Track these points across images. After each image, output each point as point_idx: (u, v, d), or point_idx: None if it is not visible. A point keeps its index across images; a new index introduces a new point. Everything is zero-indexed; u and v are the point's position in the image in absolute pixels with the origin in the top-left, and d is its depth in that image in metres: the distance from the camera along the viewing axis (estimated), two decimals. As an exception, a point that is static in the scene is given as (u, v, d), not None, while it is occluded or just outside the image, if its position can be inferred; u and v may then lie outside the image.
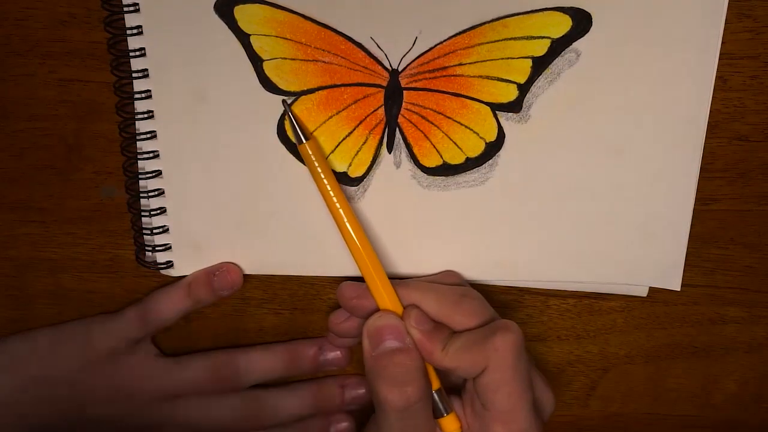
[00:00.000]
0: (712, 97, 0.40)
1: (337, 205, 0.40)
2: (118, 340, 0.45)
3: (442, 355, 0.38)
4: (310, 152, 0.40)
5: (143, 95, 0.41)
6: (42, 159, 0.44)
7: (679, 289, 0.43)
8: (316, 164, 0.40)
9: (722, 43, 0.39)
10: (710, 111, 0.40)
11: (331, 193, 0.40)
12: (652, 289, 0.44)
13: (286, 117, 0.41)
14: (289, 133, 0.41)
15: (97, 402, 0.45)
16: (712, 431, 0.47)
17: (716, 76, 0.39)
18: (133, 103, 0.41)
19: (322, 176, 0.40)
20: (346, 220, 0.40)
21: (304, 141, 0.40)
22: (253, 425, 0.46)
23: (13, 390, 0.44)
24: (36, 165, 0.44)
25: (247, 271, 0.45)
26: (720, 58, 0.39)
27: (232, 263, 0.44)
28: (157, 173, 0.42)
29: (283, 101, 0.41)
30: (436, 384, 0.39)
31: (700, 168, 0.41)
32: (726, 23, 0.39)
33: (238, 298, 0.46)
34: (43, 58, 0.42)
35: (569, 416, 0.47)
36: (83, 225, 0.45)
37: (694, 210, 0.41)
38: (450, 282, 0.41)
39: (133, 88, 0.41)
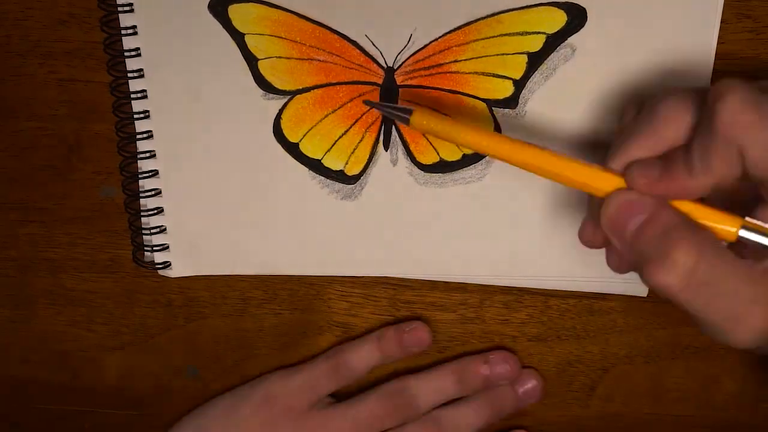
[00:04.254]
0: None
1: (487, 142, 0.35)
2: (309, 395, 0.44)
3: (693, 179, 0.30)
4: (424, 121, 0.35)
5: (139, 95, 0.41)
6: (42, 159, 0.44)
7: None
8: (440, 126, 0.35)
9: (722, 43, 0.39)
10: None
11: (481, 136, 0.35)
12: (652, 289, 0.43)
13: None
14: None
15: None
16: (712, 431, 0.46)
17: (716, 77, 0.39)
18: (131, 103, 0.42)
19: (453, 133, 0.35)
20: (503, 144, 0.35)
21: (408, 116, 0.35)
22: None
23: None
24: (36, 165, 0.44)
25: (247, 271, 0.45)
26: (720, 58, 0.39)
27: (422, 322, 0.45)
28: (154, 173, 0.43)
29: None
30: (734, 223, 0.31)
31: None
32: (726, 23, 0.38)
33: (238, 299, 0.46)
34: (43, 58, 0.42)
35: (569, 416, 0.47)
36: (83, 225, 0.45)
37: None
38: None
39: (129, 88, 0.41)
